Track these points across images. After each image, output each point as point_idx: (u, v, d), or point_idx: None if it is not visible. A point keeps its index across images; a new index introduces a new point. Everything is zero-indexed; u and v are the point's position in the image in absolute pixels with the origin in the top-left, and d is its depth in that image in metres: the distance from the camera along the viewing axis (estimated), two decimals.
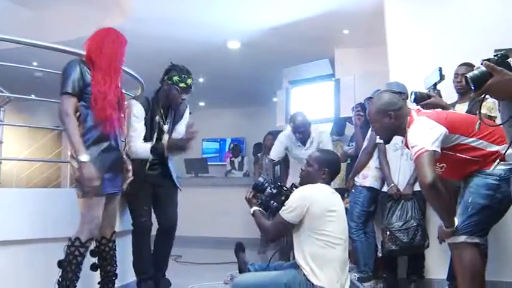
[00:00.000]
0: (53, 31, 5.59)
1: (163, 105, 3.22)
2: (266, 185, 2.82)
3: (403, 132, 2.53)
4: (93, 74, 2.61)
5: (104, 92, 2.59)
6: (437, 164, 2.41)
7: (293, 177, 4.16)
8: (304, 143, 4.18)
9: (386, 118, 2.53)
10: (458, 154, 2.39)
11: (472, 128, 2.27)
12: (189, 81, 3.14)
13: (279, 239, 2.77)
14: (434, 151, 2.30)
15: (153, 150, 3.10)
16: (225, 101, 9.49)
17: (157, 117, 3.18)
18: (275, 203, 2.74)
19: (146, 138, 3.14)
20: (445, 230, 2.37)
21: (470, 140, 2.37)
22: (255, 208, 2.75)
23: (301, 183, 2.74)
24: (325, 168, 2.67)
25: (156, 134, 3.17)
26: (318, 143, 4.17)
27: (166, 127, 3.22)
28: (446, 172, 2.50)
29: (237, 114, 10.09)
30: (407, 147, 2.62)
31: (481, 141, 2.36)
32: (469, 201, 2.35)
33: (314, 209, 2.47)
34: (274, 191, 2.79)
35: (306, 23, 5.42)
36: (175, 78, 3.11)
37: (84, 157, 2.49)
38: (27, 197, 2.94)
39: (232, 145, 9.71)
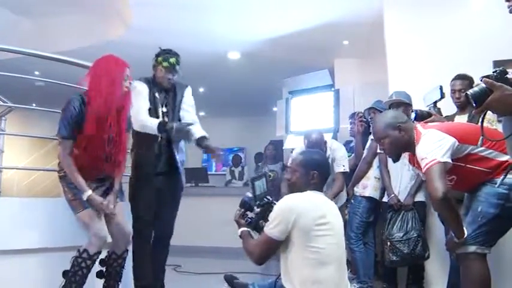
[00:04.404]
0: (54, 41, 5.64)
1: (159, 89, 3.28)
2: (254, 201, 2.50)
3: (412, 148, 2.46)
4: (89, 111, 2.59)
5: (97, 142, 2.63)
6: (448, 176, 2.34)
7: None
8: None
9: (396, 131, 2.44)
10: (468, 165, 2.34)
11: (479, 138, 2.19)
12: (172, 60, 3.20)
13: (265, 261, 2.29)
14: (445, 162, 2.24)
15: (161, 127, 3.07)
16: (225, 111, 9.52)
17: (157, 94, 3.25)
18: (264, 222, 2.37)
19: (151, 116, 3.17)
20: (456, 241, 2.30)
21: (480, 149, 2.32)
22: (242, 229, 2.40)
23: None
24: (314, 171, 2.29)
25: (161, 110, 3.23)
26: (332, 161, 3.90)
27: (164, 109, 3.26)
28: (456, 184, 2.44)
29: (237, 124, 10.11)
30: (412, 163, 2.59)
31: (490, 150, 2.32)
32: (479, 210, 2.30)
33: (302, 222, 2.12)
34: (258, 209, 2.46)
35: (305, 34, 5.47)
36: (160, 58, 3.21)
37: (86, 195, 2.59)
38: (27, 206, 2.94)
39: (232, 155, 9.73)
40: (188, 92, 3.39)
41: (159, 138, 3.18)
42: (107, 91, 2.59)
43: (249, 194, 2.51)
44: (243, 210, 2.48)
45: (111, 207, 2.66)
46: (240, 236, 2.40)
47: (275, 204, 2.36)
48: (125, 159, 2.84)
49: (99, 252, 2.60)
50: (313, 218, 2.13)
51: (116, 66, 2.67)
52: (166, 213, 3.28)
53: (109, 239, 2.75)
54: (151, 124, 3.08)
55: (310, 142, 3.86)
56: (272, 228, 2.15)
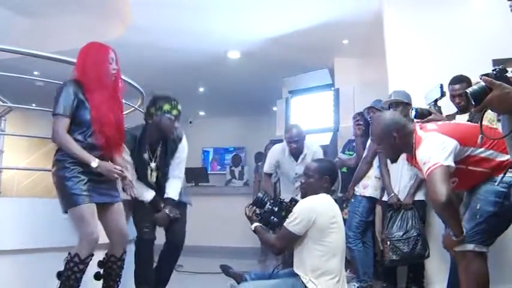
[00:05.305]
0: (54, 40, 5.63)
1: (154, 141, 3.11)
2: (265, 200, 2.86)
3: (410, 150, 2.45)
4: (88, 96, 2.53)
5: (101, 116, 2.54)
6: (450, 179, 2.30)
7: (284, 193, 4.14)
8: (296, 157, 4.00)
9: (391, 139, 2.45)
10: (469, 167, 2.33)
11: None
12: (179, 106, 3.05)
13: (285, 251, 2.74)
14: (449, 166, 2.22)
15: (151, 201, 3.11)
16: (225, 110, 9.51)
17: (145, 155, 3.09)
18: (275, 218, 2.80)
19: (139, 177, 3.12)
20: (453, 239, 2.29)
21: (480, 150, 2.31)
22: (256, 224, 2.76)
23: (304, 196, 2.73)
24: (326, 176, 2.70)
25: (149, 171, 3.14)
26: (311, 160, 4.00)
27: (153, 164, 3.13)
28: (457, 186, 2.41)
29: (237, 124, 10.10)
30: (411, 162, 2.57)
31: (491, 151, 2.31)
32: (477, 207, 2.30)
33: (320, 221, 2.51)
34: (275, 208, 2.83)
35: (305, 33, 5.46)
36: (167, 106, 3.00)
37: (95, 163, 2.48)
38: (26, 206, 2.94)
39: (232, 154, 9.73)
40: (183, 143, 3.22)
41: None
42: (95, 73, 2.54)
43: (260, 194, 2.89)
44: (255, 207, 2.84)
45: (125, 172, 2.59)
46: (254, 231, 2.75)
47: (286, 203, 2.86)
48: (122, 142, 2.75)
49: (92, 255, 2.51)
50: (328, 217, 2.55)
51: (99, 48, 2.62)
52: (175, 222, 3.25)
53: (106, 240, 2.70)
54: (145, 198, 3.09)
55: (290, 136, 3.97)
56: (295, 225, 2.52)
